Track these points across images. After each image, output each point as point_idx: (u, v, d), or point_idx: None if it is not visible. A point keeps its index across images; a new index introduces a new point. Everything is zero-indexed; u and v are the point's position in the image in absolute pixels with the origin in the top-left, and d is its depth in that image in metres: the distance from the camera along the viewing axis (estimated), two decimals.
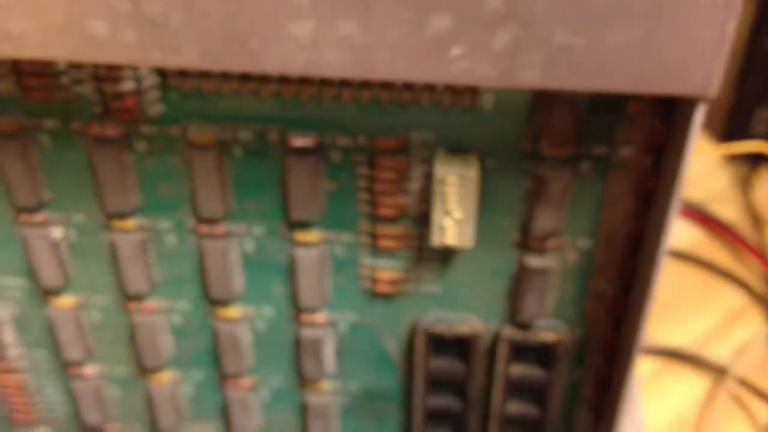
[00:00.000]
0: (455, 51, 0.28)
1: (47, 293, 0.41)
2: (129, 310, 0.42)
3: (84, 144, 0.36)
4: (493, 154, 0.35)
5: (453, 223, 0.35)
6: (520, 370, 0.41)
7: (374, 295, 0.40)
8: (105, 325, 0.43)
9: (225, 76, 0.33)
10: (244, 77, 0.33)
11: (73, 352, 0.44)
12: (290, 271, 0.39)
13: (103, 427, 0.48)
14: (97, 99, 0.35)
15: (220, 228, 0.38)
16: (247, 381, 0.44)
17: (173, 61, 0.29)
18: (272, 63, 0.29)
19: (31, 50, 0.29)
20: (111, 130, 0.36)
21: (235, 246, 0.39)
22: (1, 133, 0.36)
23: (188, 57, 0.29)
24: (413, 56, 0.28)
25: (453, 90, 0.34)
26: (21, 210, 0.38)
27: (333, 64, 0.29)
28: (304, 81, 0.34)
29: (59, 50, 0.29)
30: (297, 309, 0.41)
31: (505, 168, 0.35)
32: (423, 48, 0.28)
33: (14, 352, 0.45)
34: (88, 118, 0.35)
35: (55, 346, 0.44)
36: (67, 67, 0.34)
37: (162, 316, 0.42)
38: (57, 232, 0.40)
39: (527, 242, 0.37)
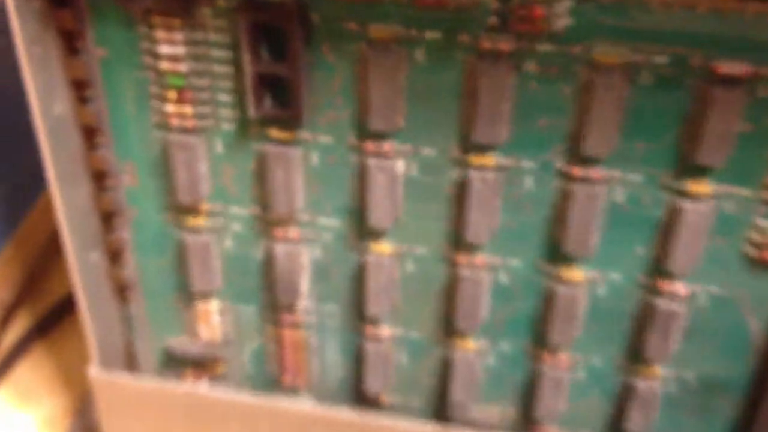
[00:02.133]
0: None
1: (366, 236, 0.37)
2: (455, 262, 0.37)
3: (464, 62, 0.32)
4: None
5: None
6: None
7: (756, 264, 0.34)
8: (416, 280, 0.38)
9: None
10: None
11: (374, 308, 0.39)
12: (661, 229, 0.34)
13: (378, 397, 0.43)
14: (498, 8, 0.30)
15: (597, 171, 0.33)
16: (564, 357, 0.39)
17: None
18: None
19: None
20: (505, 45, 0.31)
21: (604, 194, 0.33)
22: (374, 44, 0.32)
23: None
24: None
25: None
26: (368, 136, 0.34)
27: None
28: None
29: None
30: (655, 274, 0.35)
31: None
32: None
33: (304, 304, 0.40)
34: (479, 30, 0.31)
35: (353, 300, 0.39)
36: None
37: (489, 272, 0.37)
38: (400, 167, 0.35)
39: None
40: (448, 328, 0.39)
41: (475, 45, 0.31)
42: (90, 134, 0.35)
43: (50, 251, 0.54)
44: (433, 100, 0.33)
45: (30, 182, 0.51)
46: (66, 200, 0.35)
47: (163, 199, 0.38)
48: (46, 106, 0.32)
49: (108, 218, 0.38)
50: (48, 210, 0.51)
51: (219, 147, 0.36)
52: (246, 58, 0.32)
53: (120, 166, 0.37)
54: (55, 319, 0.53)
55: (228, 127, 0.35)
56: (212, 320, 0.41)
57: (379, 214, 0.36)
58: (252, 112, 0.33)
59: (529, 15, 0.30)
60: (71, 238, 0.35)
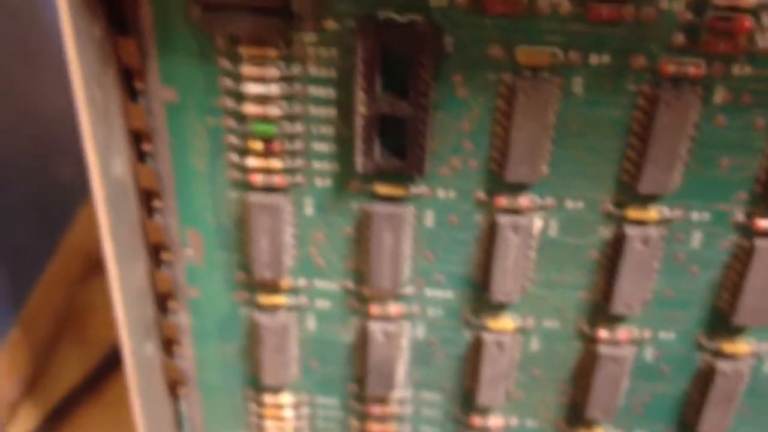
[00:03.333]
0: None
1: (484, 310, 0.30)
2: (594, 338, 0.30)
3: (637, 91, 0.25)
4: None
5: None
6: None
7: None
8: (541, 360, 0.31)
9: None
10: None
11: (487, 395, 0.32)
12: None
13: None
14: (689, 20, 0.24)
15: None
16: None
17: None
18: None
19: None
20: (693, 68, 0.24)
21: None
22: (522, 72, 0.25)
23: None
24: None
25: None
26: (501, 189, 0.27)
27: None
28: None
29: None
30: None
31: None
32: None
33: (399, 393, 0.33)
34: (661, 51, 0.24)
35: (459, 387, 0.32)
36: None
37: (633, 348, 0.31)
38: (537, 225, 0.28)
39: None
40: (575, 416, 0.32)
41: (654, 69, 0.24)
42: (148, 198, 0.28)
43: (57, 333, 0.46)
44: (587, 141, 0.26)
45: (32, 260, 0.44)
46: (123, 281, 0.27)
47: (233, 274, 0.30)
48: (105, 165, 0.25)
49: (163, 301, 0.31)
50: (52, 288, 0.44)
51: (309, 208, 0.28)
52: (360, 95, 0.25)
53: (182, 237, 0.29)
54: (65, 412, 0.45)
55: (322, 183, 0.28)
56: (283, 416, 0.34)
57: (506, 283, 0.29)
58: (360, 164, 0.26)
59: (731, 29, 0.23)
60: (127, 326, 0.28)
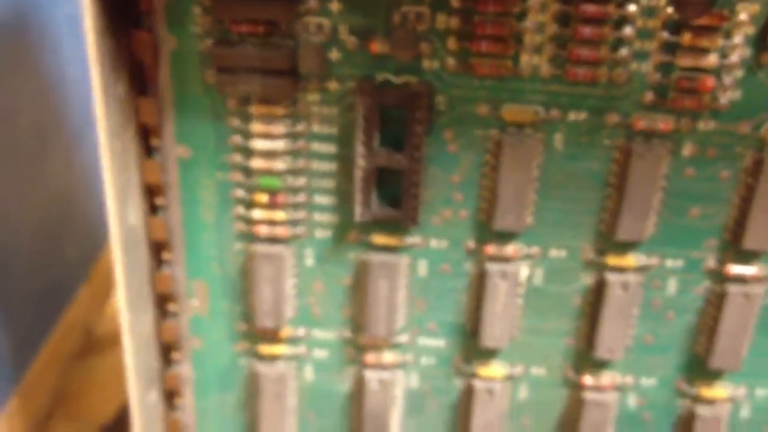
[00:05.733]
0: None
1: (475, 358, 0.32)
2: (579, 384, 0.32)
3: (612, 146, 0.28)
4: None
5: None
6: None
7: None
8: (529, 406, 0.33)
9: None
10: None
11: None
12: None
13: None
14: (657, 81, 0.26)
15: (755, 270, 0.29)
16: None
17: None
18: None
19: None
20: (663, 124, 0.27)
21: (762, 295, 0.29)
22: (508, 129, 0.28)
23: None
24: None
25: None
26: (489, 238, 0.29)
27: None
28: None
29: None
30: None
31: None
32: None
33: None
34: (633, 108, 0.27)
35: None
36: (633, 34, 0.26)
37: (617, 395, 0.32)
38: (523, 273, 0.30)
39: None
40: None
41: (627, 125, 0.27)
42: (158, 249, 0.30)
43: (53, 407, 0.47)
44: (568, 192, 0.29)
45: (33, 334, 0.45)
46: (133, 329, 0.29)
47: (235, 325, 0.32)
48: (123, 215, 0.27)
49: (167, 351, 0.32)
50: (50, 362, 0.45)
51: (309, 259, 0.30)
52: (359, 150, 0.28)
53: (188, 288, 0.31)
54: None
55: (322, 234, 0.30)
56: None
57: (495, 329, 0.31)
58: (358, 214, 0.29)
59: (695, 88, 0.26)
60: (135, 373, 0.29)
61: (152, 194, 0.29)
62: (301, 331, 0.32)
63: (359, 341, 0.32)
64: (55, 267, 0.46)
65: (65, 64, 0.42)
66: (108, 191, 0.26)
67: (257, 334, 0.32)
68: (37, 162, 0.43)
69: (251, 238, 0.30)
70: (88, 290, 0.48)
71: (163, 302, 0.31)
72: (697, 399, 0.32)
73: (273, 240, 0.30)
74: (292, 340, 0.32)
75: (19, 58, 0.38)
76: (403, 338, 0.32)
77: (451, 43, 0.26)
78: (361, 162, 0.28)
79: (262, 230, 0.30)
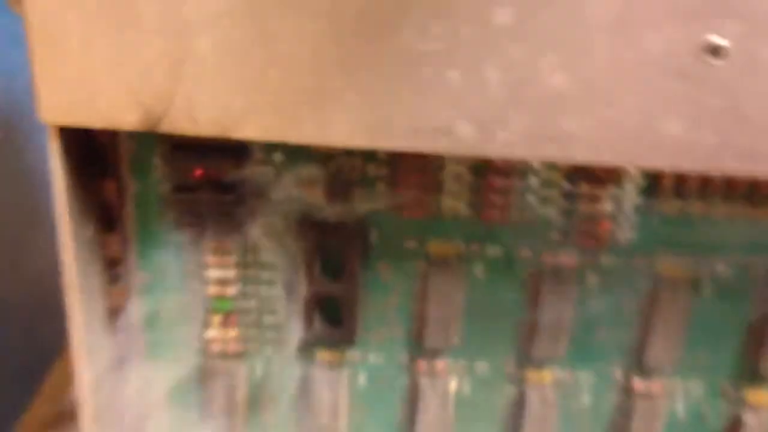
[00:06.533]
0: None
1: None
2: None
3: (525, 277, 0.31)
4: None
5: None
6: None
7: None
8: None
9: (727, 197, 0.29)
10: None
11: None
12: None
13: None
14: (562, 223, 0.30)
15: (657, 384, 0.33)
16: None
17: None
18: None
19: (584, 153, 0.25)
20: (567, 259, 0.31)
21: (665, 407, 0.33)
22: (434, 261, 0.31)
23: None
24: None
25: None
26: (421, 354, 0.33)
27: None
28: None
29: (626, 154, 0.25)
30: None
31: None
32: None
33: None
34: (542, 245, 0.31)
35: None
36: (538, 184, 0.30)
37: None
38: (452, 386, 0.34)
39: None
40: None
41: (537, 260, 0.31)
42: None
43: None
44: (490, 315, 0.32)
45: (10, 406, 0.48)
46: None
47: None
48: (89, 342, 0.30)
49: None
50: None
51: (259, 372, 0.34)
52: (301, 278, 0.31)
53: None
54: None
55: (271, 351, 0.33)
56: None
57: None
58: (302, 334, 0.32)
59: (594, 229, 0.30)
60: None
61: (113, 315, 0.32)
62: None
63: None
64: (32, 343, 0.49)
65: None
66: (74, 318, 0.30)
67: None
68: (21, 242, 0.45)
69: (206, 353, 0.33)
70: (62, 366, 0.51)
71: None
72: None
73: (225, 356, 0.33)
74: None
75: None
76: None
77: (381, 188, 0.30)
78: (304, 290, 0.31)
79: (216, 347, 0.33)
